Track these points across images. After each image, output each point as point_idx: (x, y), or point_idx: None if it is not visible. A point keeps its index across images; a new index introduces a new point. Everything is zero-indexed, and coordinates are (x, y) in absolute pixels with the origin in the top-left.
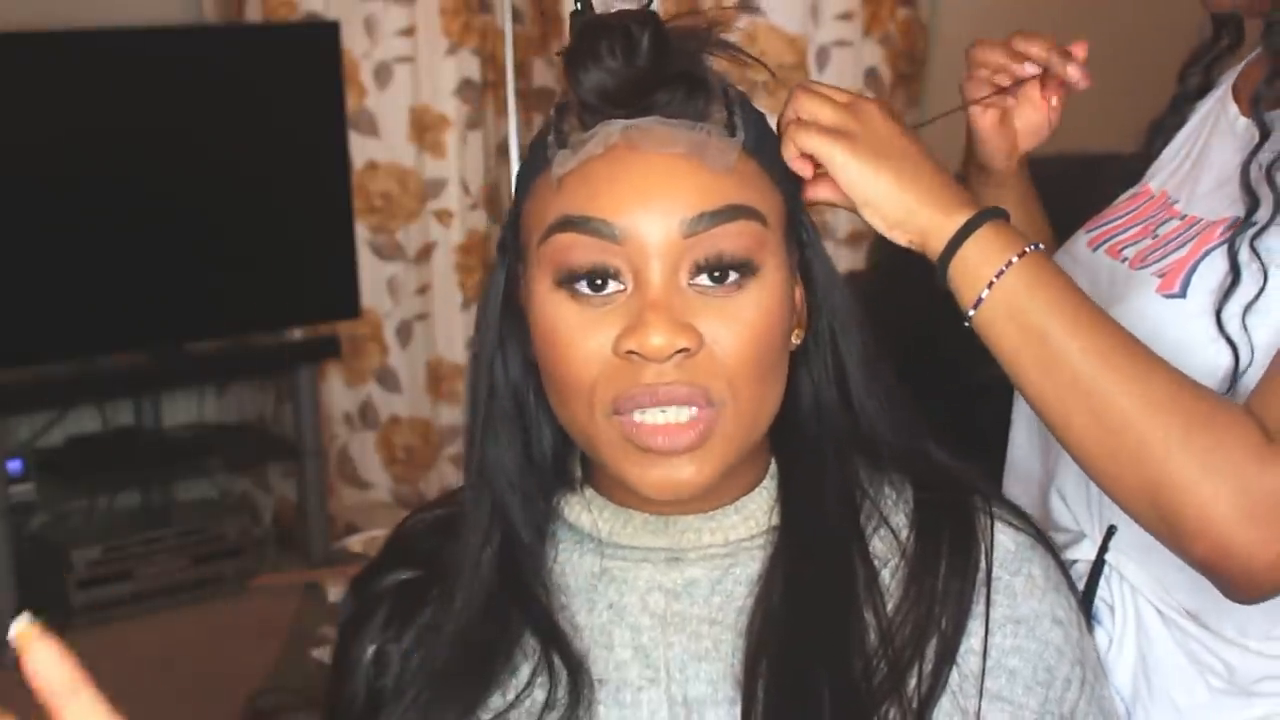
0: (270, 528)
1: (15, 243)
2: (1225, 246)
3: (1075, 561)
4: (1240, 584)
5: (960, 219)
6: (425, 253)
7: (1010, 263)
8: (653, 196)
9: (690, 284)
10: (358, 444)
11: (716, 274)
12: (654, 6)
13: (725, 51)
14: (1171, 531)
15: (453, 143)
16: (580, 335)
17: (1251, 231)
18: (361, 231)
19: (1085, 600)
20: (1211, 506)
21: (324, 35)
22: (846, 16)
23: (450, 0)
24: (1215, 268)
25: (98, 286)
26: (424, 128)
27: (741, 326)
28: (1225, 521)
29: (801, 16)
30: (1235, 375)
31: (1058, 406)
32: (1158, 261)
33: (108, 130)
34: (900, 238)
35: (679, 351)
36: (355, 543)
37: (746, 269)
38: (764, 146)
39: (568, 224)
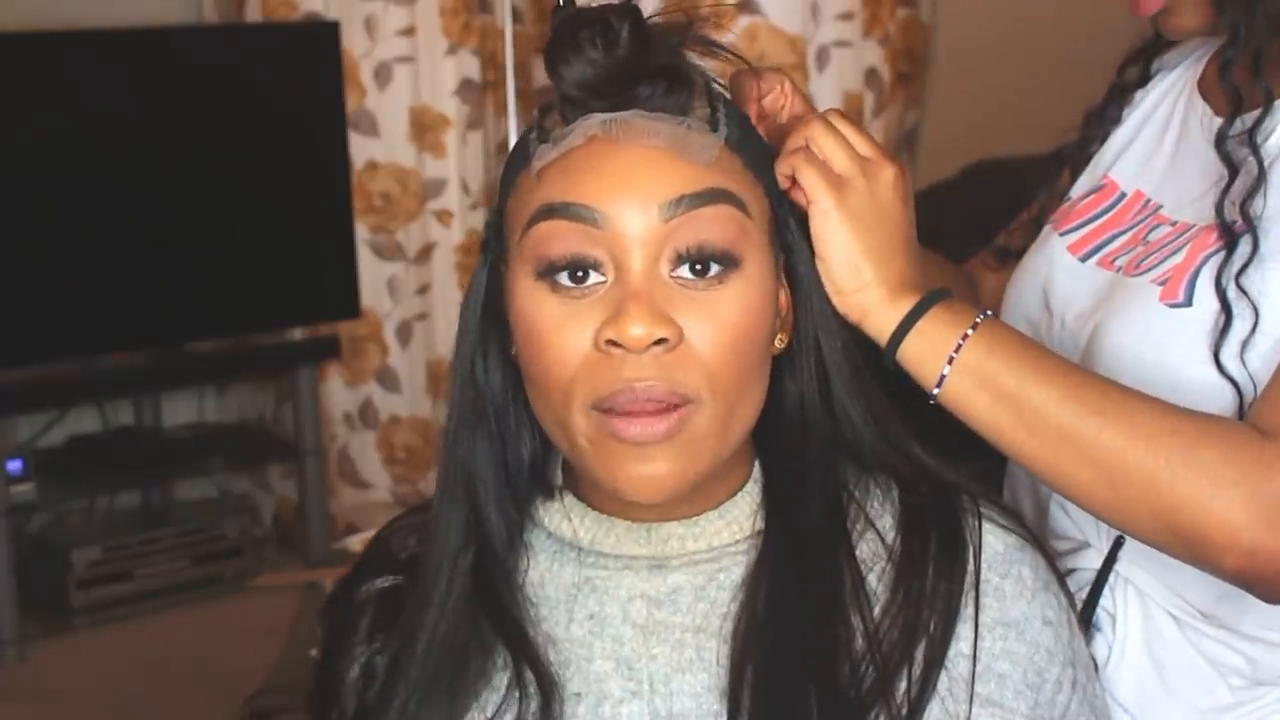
0: (270, 528)
1: (15, 243)
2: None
3: (1076, 570)
4: (1277, 587)
5: (906, 305)
6: (425, 253)
7: (966, 335)
8: (633, 184)
9: (672, 276)
10: (358, 444)
11: (698, 266)
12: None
13: (705, 46)
14: (1197, 552)
15: (453, 143)
16: (561, 329)
17: (1235, 268)
18: (361, 231)
19: (1086, 609)
20: (1231, 518)
21: (324, 35)
22: (846, 16)
23: (450, 0)
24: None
25: (98, 286)
26: (424, 128)
27: (721, 323)
28: (1249, 529)
29: (801, 16)
30: (1242, 412)
31: (1051, 461)
32: (1154, 267)
33: (107, 130)
34: (840, 305)
35: (658, 343)
36: (355, 543)
37: (728, 260)
38: (748, 145)
39: (549, 211)
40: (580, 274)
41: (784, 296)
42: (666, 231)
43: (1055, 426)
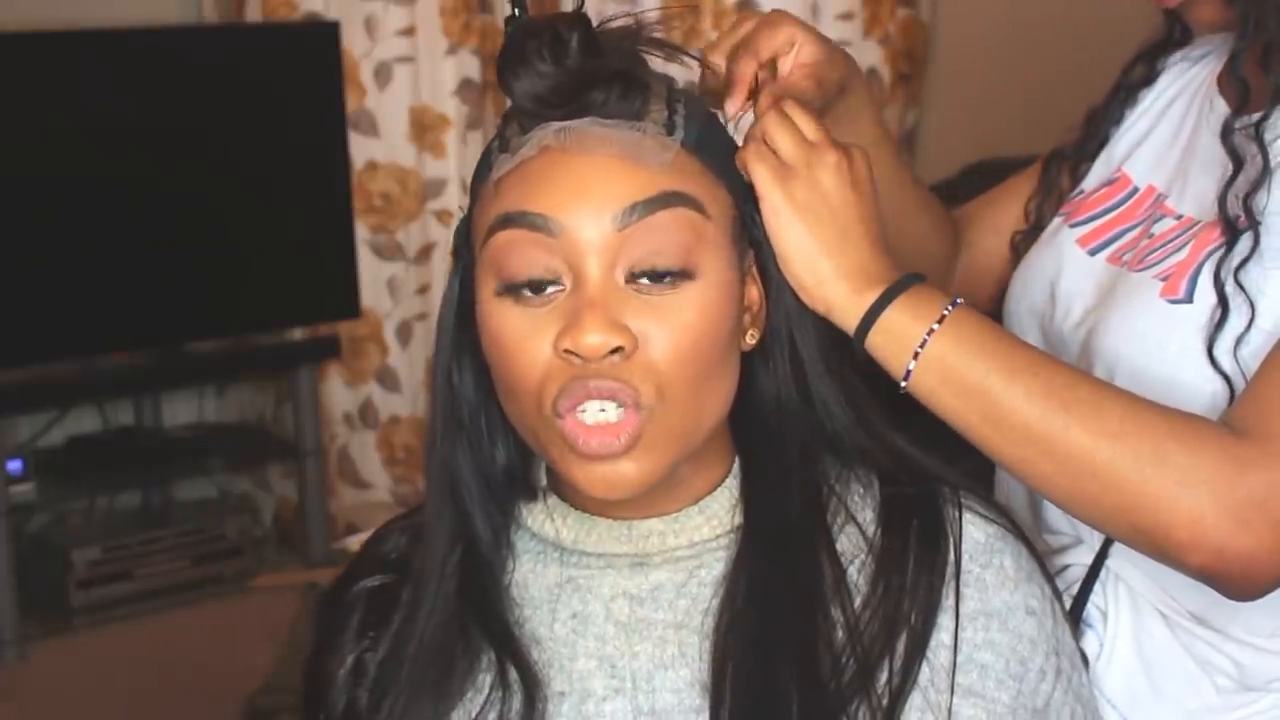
0: (270, 528)
1: (15, 243)
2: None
3: (1069, 566)
4: (1241, 585)
5: (869, 299)
6: (425, 253)
7: (931, 330)
8: (587, 193)
9: (628, 282)
10: (358, 444)
11: (653, 277)
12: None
13: (658, 49)
14: (1163, 549)
15: (453, 143)
16: (523, 338)
17: (1235, 264)
18: (361, 231)
19: (1077, 605)
20: (1199, 517)
21: (324, 35)
22: (846, 16)
23: (450, 0)
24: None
25: (98, 286)
26: (424, 128)
27: (676, 327)
28: (1216, 530)
29: (801, 16)
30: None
31: (1017, 457)
32: (1158, 263)
33: (108, 130)
34: (805, 300)
35: (614, 351)
36: (355, 543)
37: (682, 275)
38: (708, 145)
39: (505, 221)
40: (540, 285)
41: (755, 292)
42: (621, 240)
43: (1021, 423)
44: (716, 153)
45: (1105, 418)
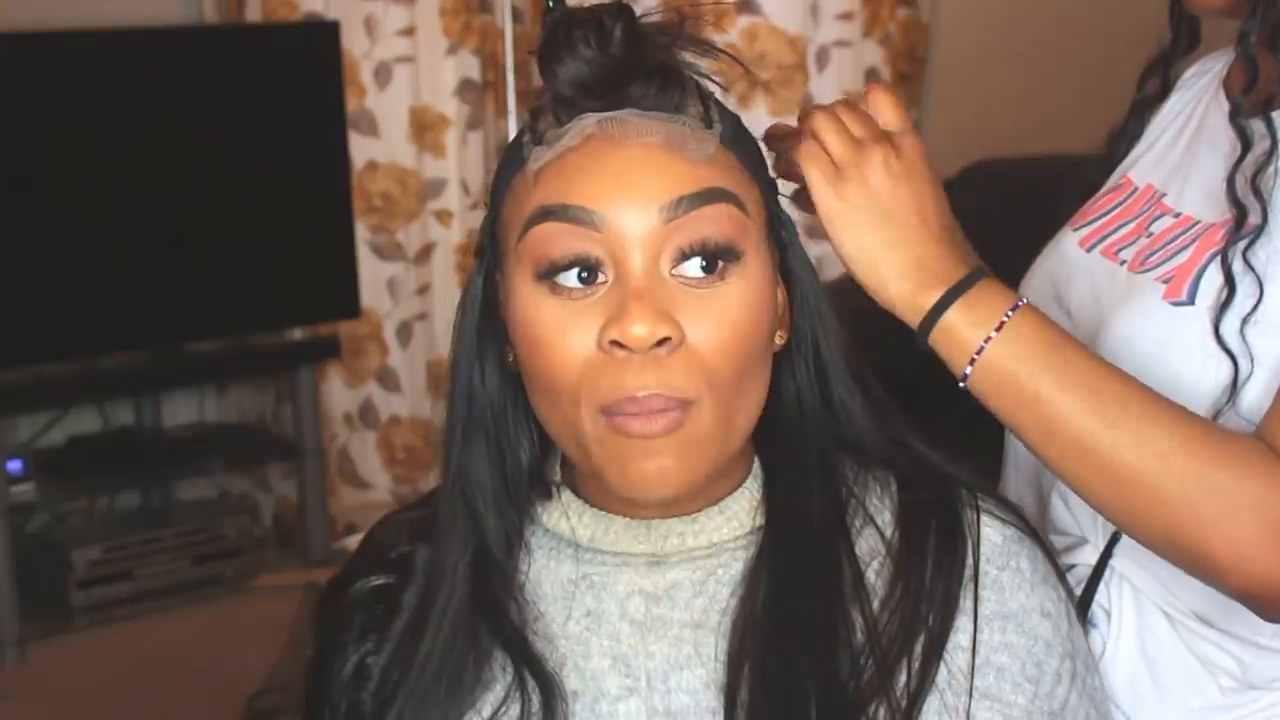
0: (270, 528)
1: (15, 242)
2: (1219, 259)
3: (1075, 566)
4: (1277, 607)
5: (932, 298)
6: (425, 253)
7: (989, 337)
8: (632, 184)
9: (673, 274)
10: (358, 444)
11: (704, 265)
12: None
13: (697, 47)
14: (1202, 568)
15: (453, 143)
16: (563, 332)
17: (1243, 244)
18: (361, 231)
19: (1082, 605)
20: (1241, 542)
21: (324, 35)
22: (846, 16)
23: (450, 0)
24: (1220, 275)
25: (98, 286)
26: (424, 128)
27: (723, 321)
28: (1259, 555)
29: (801, 16)
30: (1235, 387)
31: (1065, 465)
32: (1159, 265)
33: (108, 130)
34: (874, 299)
35: (661, 342)
36: (355, 543)
37: (730, 254)
38: (741, 143)
39: (546, 214)
40: (585, 274)
41: (780, 293)
42: (667, 233)
43: (1072, 436)
44: (748, 150)
45: (1153, 438)
